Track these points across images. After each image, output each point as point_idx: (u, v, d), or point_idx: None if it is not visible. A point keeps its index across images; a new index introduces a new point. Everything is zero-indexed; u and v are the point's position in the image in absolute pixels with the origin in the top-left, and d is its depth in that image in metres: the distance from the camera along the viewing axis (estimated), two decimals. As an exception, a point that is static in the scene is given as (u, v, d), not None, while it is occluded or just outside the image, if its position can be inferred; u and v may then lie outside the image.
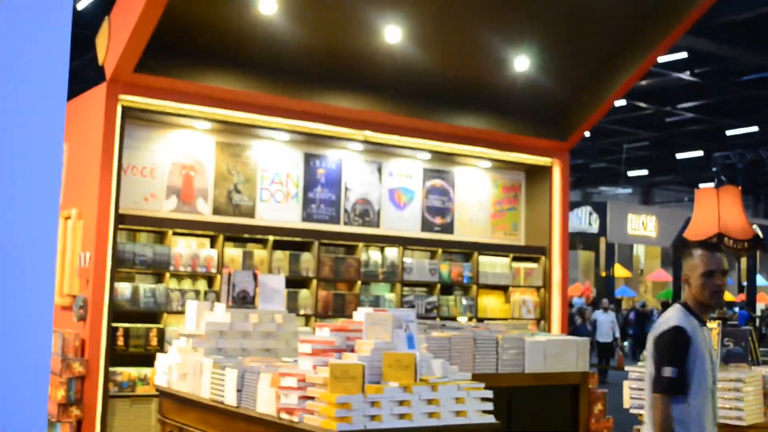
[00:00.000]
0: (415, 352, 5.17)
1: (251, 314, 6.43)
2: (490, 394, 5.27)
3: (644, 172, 33.35)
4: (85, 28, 11.77)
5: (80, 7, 15.94)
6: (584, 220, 27.66)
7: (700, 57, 22.61)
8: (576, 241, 26.74)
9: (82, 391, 7.86)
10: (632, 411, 6.15)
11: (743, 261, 27.29)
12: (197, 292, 8.57)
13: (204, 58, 8.38)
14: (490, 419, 5.22)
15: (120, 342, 8.11)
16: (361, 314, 5.37)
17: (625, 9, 9.02)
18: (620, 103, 26.10)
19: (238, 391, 5.59)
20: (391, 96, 9.32)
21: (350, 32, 8.70)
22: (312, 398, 4.92)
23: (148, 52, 7.78)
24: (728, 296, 25.70)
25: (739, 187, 8.14)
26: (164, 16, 7.42)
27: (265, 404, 5.30)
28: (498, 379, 7.14)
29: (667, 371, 3.62)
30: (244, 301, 6.54)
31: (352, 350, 5.21)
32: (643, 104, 27.15)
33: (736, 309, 25.13)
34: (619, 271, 26.50)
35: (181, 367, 6.32)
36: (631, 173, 33.77)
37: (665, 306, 25.07)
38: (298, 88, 8.82)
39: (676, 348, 3.70)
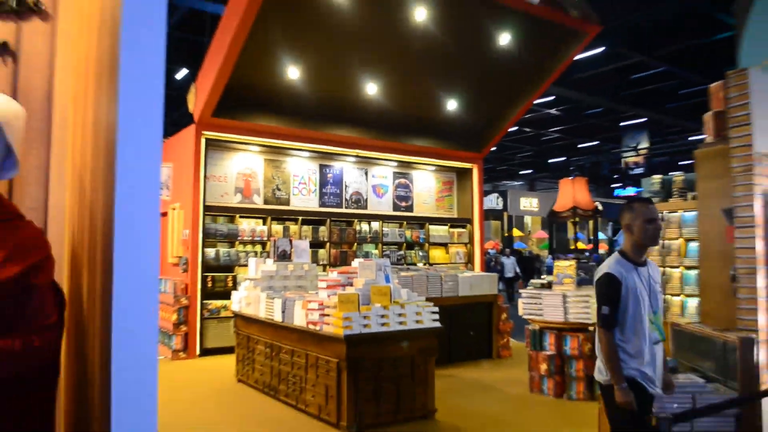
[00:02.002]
0: (390, 284, 5.16)
1: (289, 265, 6.37)
2: (436, 309, 5.25)
3: (530, 171, 33.35)
4: (180, 90, 11.61)
5: (178, 77, 15.72)
6: (494, 201, 27.68)
7: (562, 99, 22.56)
8: (489, 215, 26.73)
9: (187, 315, 7.80)
10: (524, 316, 6.19)
11: (590, 223, 27.34)
12: (256, 253, 8.49)
13: (255, 106, 8.27)
14: (438, 324, 5.21)
15: (209, 284, 8.04)
16: (356, 262, 5.34)
17: (517, 69, 8.94)
18: (513, 128, 26.11)
19: (282, 312, 5.57)
20: (372, 127, 9.24)
21: (346, 88, 8.59)
22: (328, 315, 4.92)
23: (220, 104, 7.70)
24: (582, 245, 25.75)
25: (586, 179, 8.10)
26: (230, 81, 7.35)
27: (299, 319, 5.28)
28: (442, 300, 7.14)
29: (603, 309, 3.10)
30: (284, 257, 6.47)
31: (351, 285, 5.20)
32: (527, 129, 27.10)
33: (586, 253, 25.27)
34: (516, 232, 26.48)
35: (247, 298, 6.28)
36: (521, 172, 33.78)
37: (551, 252, 25.21)
38: (314, 124, 8.72)
39: (607, 290, 3.11)
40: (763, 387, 3.53)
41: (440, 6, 7.58)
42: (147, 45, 1.71)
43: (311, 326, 5.09)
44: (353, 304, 4.84)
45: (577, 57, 19.72)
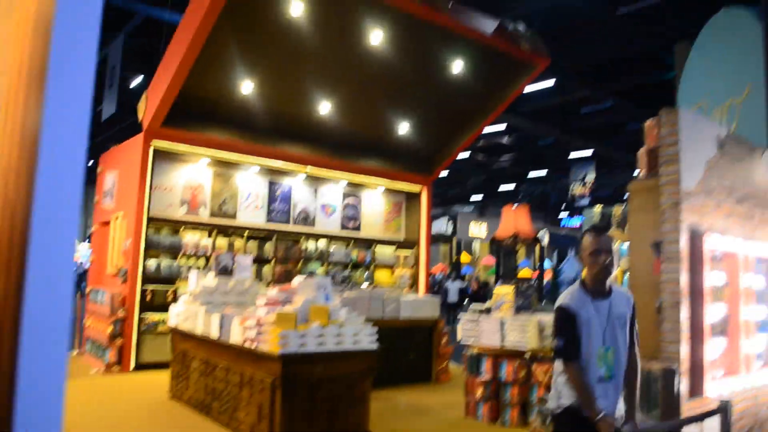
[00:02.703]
0: (330, 303, 5.16)
1: (230, 280, 6.32)
2: (375, 330, 5.26)
3: (480, 196, 33.77)
4: (135, 97, 11.42)
5: (133, 85, 15.49)
6: (444, 226, 27.91)
7: (513, 128, 23.03)
8: (439, 238, 26.92)
9: (123, 328, 7.61)
10: (462, 341, 6.23)
11: (537, 251, 27.83)
12: (199, 267, 8.38)
13: (206, 118, 8.20)
14: (375, 346, 5.21)
15: (149, 297, 7.88)
16: (296, 281, 5.32)
17: (468, 97, 9.11)
18: (466, 155, 26.47)
19: (219, 328, 5.50)
20: (324, 145, 9.26)
21: (299, 105, 8.61)
22: (264, 333, 4.87)
23: (171, 114, 7.63)
24: (527, 273, 26.11)
25: (528, 207, 8.28)
26: (181, 92, 7.29)
27: (235, 336, 5.21)
28: (384, 322, 7.13)
29: (556, 341, 3.02)
30: (225, 272, 6.41)
31: (291, 303, 5.18)
32: (480, 156, 27.53)
33: (531, 281, 25.69)
34: (464, 257, 26.68)
35: (185, 313, 6.17)
36: (473, 197, 34.19)
37: (497, 278, 25.51)
38: (266, 139, 8.70)
39: (561, 323, 3.00)
40: (684, 416, 3.64)
41: (396, 31, 7.70)
42: (79, 48, 1.70)
43: (247, 343, 5.04)
44: (291, 322, 4.81)
45: (528, 88, 20.25)
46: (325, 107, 8.67)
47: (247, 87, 7.94)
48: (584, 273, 3.18)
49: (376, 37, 7.75)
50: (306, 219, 9.64)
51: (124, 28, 14.25)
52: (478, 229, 28.56)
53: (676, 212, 3.80)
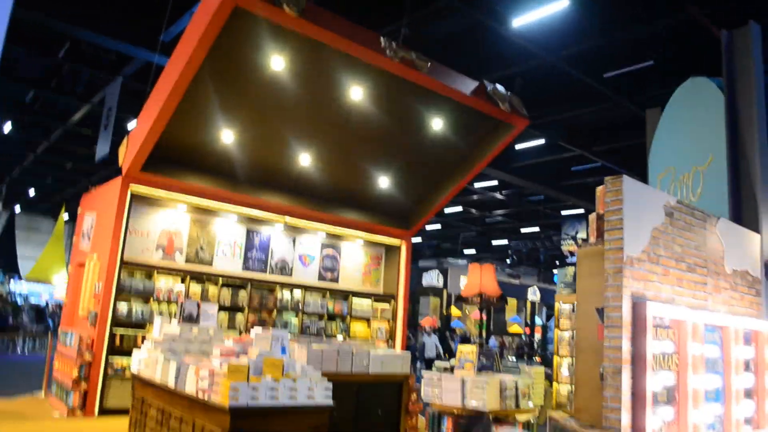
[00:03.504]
0: (285, 357, 5.13)
1: (194, 328, 6.30)
2: (330, 385, 5.22)
3: (473, 251, 33.82)
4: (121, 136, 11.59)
5: (131, 127, 15.74)
6: (435, 278, 27.88)
7: (505, 184, 23.22)
8: (429, 291, 26.88)
9: (89, 372, 7.54)
10: (424, 399, 6.14)
11: (528, 307, 27.69)
12: (171, 312, 8.36)
13: (186, 165, 8.31)
14: (329, 401, 5.16)
15: (118, 341, 7.84)
16: (253, 332, 5.31)
17: (448, 154, 9.24)
18: (458, 209, 26.60)
19: (176, 376, 5.46)
20: (304, 196, 9.35)
21: (279, 156, 8.72)
22: (217, 384, 4.84)
23: (151, 159, 7.73)
24: (518, 329, 25.93)
25: (494, 265, 8.29)
26: (162, 137, 7.41)
27: (190, 386, 5.16)
28: (352, 377, 7.08)
29: None
30: (190, 319, 6.39)
31: (246, 354, 5.15)
32: (473, 210, 27.68)
33: (523, 336, 25.54)
34: (454, 311, 26.56)
35: (146, 359, 6.14)
36: (466, 251, 34.25)
37: (487, 333, 25.21)
38: (245, 188, 8.78)
39: None
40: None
41: (375, 88, 7.86)
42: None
43: (200, 394, 5.00)
44: (242, 374, 4.78)
45: (520, 146, 20.49)
46: (305, 159, 8.79)
47: (227, 136, 8.07)
48: None
49: (356, 93, 7.91)
50: (283, 268, 9.65)
51: (123, 71, 14.54)
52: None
53: (619, 279, 3.82)
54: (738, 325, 4.94)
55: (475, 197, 25.69)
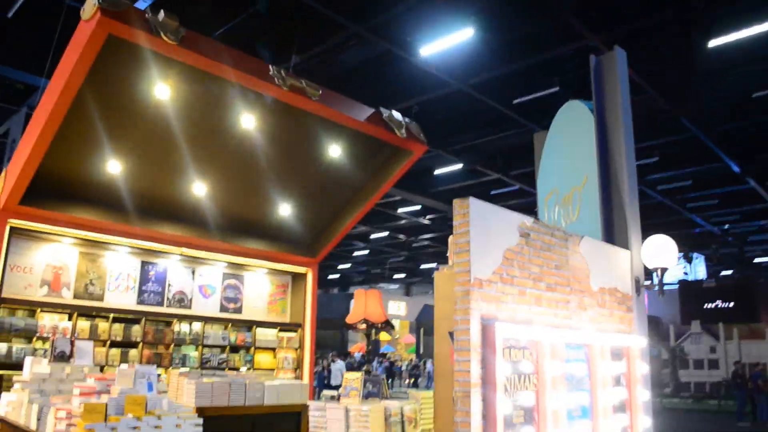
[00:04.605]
0: (150, 394, 4.89)
1: (66, 367, 5.96)
2: (200, 421, 5.00)
3: (403, 275, 33.89)
4: None
5: None
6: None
7: (429, 209, 23.44)
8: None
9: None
10: (311, 431, 5.98)
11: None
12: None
13: (70, 197, 7.92)
14: (200, 438, 4.95)
15: (-4, 384, 7.38)
16: (118, 370, 5.05)
17: (348, 180, 9.20)
18: (384, 234, 26.65)
19: (38, 419, 5.13)
20: (201, 226, 9.08)
21: (173, 185, 8.46)
22: (75, 426, 4.56)
23: (30, 192, 7.36)
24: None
25: (380, 292, 8.25)
26: (40, 170, 7.08)
27: (50, 429, 4.86)
28: (246, 409, 6.88)
29: None
30: (62, 357, 6.05)
31: (108, 392, 4.89)
32: (400, 235, 27.80)
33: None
34: (384, 336, 26.45)
35: (13, 403, 5.76)
36: (396, 276, 34.30)
37: (418, 357, 25.07)
38: (137, 219, 8.44)
39: None
40: None
41: (269, 116, 7.77)
42: None
43: (58, 438, 4.70)
44: (100, 414, 4.53)
45: (439, 171, 20.70)
46: (200, 188, 8.57)
47: (114, 166, 7.78)
48: None
49: (248, 121, 7.78)
50: (182, 301, 9.35)
51: (28, 101, 14.04)
52: (397, 308, 28.50)
53: (467, 301, 3.79)
54: (603, 341, 4.99)
55: (401, 222, 25.81)
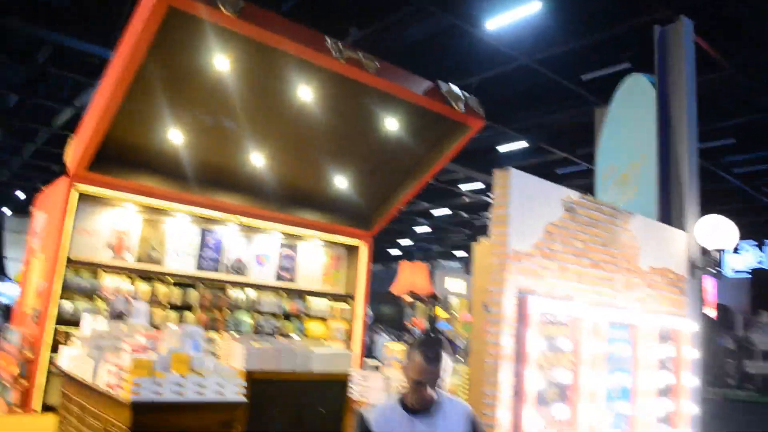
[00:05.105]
0: (195, 353, 5.06)
1: (122, 326, 6.25)
2: (243, 383, 5.15)
3: (464, 253, 33.65)
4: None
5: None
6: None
7: (491, 187, 23.10)
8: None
9: (29, 369, 7.49)
10: (354, 398, 6.09)
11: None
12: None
13: (134, 164, 8.25)
14: (240, 398, 5.09)
15: (63, 339, 7.76)
16: (166, 328, 5.25)
17: (404, 154, 9.18)
18: (446, 211, 26.48)
19: (93, 372, 5.39)
20: (259, 196, 9.29)
21: (232, 155, 8.66)
22: (124, 379, 4.78)
23: (98, 159, 7.70)
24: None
25: (426, 264, 8.22)
26: (108, 137, 7.38)
27: (102, 381, 5.12)
28: (294, 375, 7.04)
29: None
30: (119, 316, 6.34)
31: (155, 350, 5.10)
32: (462, 213, 27.58)
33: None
34: (441, 312, 26.34)
35: (72, 357, 6.08)
36: (458, 254, 34.10)
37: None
38: (198, 188, 8.70)
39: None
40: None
41: (326, 88, 7.82)
42: None
43: (110, 389, 4.94)
44: (147, 369, 4.73)
45: (505, 148, 20.35)
46: (259, 159, 8.73)
47: (176, 136, 8.01)
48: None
49: (307, 93, 7.86)
50: (239, 268, 9.59)
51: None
52: (457, 286, 28.34)
53: (503, 273, 3.74)
54: (650, 323, 4.84)
55: (464, 200, 25.54)
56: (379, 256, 21.32)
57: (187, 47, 7.07)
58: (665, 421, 4.97)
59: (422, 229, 30.14)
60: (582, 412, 4.07)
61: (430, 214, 27.85)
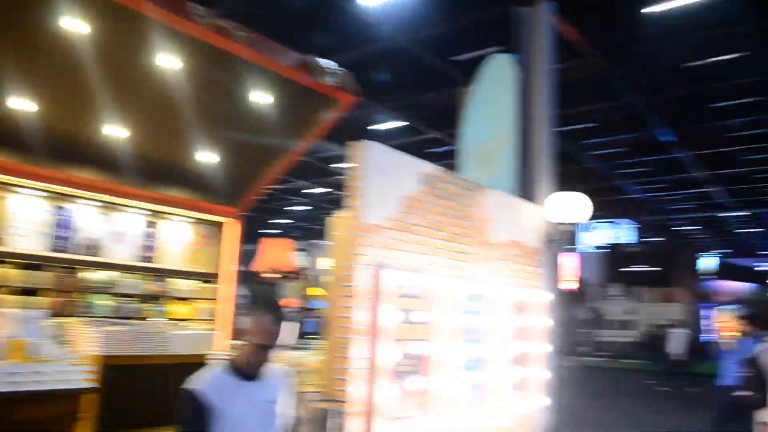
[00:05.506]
0: (32, 339, 4.66)
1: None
2: (91, 368, 4.83)
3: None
4: None
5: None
6: (300, 260, 27.67)
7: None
8: (302, 275, 26.67)
9: None
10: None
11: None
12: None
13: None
14: (87, 385, 4.77)
15: None
16: (2, 314, 4.80)
17: (272, 128, 8.94)
18: (323, 189, 26.39)
19: None
20: (119, 170, 8.69)
21: (88, 127, 8.05)
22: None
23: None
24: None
25: (291, 240, 8.15)
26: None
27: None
28: (152, 358, 6.74)
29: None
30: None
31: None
32: (340, 192, 27.59)
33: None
34: (311, 291, 26.48)
35: None
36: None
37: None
38: (48, 161, 8.00)
39: (188, 414, 2.50)
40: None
41: (193, 56, 7.41)
42: None
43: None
44: (-24, 358, 4.30)
45: (381, 126, 20.50)
46: (117, 131, 8.17)
47: (21, 104, 7.31)
48: (239, 350, 2.65)
49: (169, 61, 7.41)
50: (95, 248, 8.98)
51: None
52: (327, 264, 28.54)
53: (357, 246, 3.69)
54: (505, 294, 5.00)
55: (340, 177, 25.57)
56: (254, 235, 20.92)
57: (31, 5, 6.45)
58: (520, 387, 5.17)
59: (299, 207, 29.90)
60: (438, 383, 4.12)
61: (307, 193, 27.66)
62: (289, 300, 21.52)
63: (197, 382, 2.55)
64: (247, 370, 2.59)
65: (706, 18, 12.57)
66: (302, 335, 18.07)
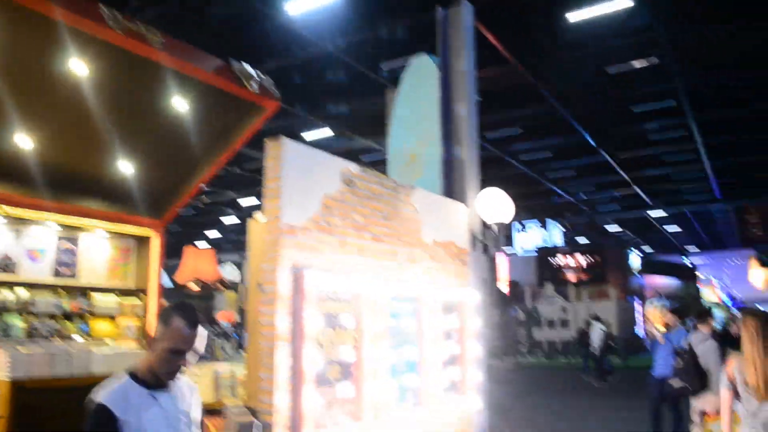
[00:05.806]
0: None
1: None
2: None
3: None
4: None
5: None
6: (231, 272, 26.99)
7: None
8: (226, 285, 25.98)
9: None
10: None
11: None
12: None
13: None
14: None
15: None
16: None
17: (197, 137, 8.65)
18: (256, 201, 25.96)
19: None
20: (29, 182, 8.22)
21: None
22: None
23: None
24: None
25: (214, 250, 7.92)
26: None
27: None
28: (72, 380, 6.35)
29: None
30: None
31: None
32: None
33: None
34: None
35: None
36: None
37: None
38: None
39: (90, 427, 2.44)
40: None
41: (108, 62, 7.08)
42: None
43: None
44: None
45: (311, 136, 20.30)
46: (28, 141, 7.71)
47: None
48: (142, 361, 2.58)
49: (82, 67, 7.06)
50: (5, 265, 8.45)
51: None
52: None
53: (277, 249, 3.53)
54: (434, 295, 4.93)
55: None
56: (181, 247, 20.37)
57: None
58: (452, 389, 5.10)
59: (231, 219, 29.30)
60: (366, 389, 4.00)
61: (238, 204, 27.13)
62: (226, 314, 20.92)
63: (100, 395, 2.46)
64: (156, 379, 2.52)
65: (625, 26, 13.03)
66: (240, 348, 17.61)
